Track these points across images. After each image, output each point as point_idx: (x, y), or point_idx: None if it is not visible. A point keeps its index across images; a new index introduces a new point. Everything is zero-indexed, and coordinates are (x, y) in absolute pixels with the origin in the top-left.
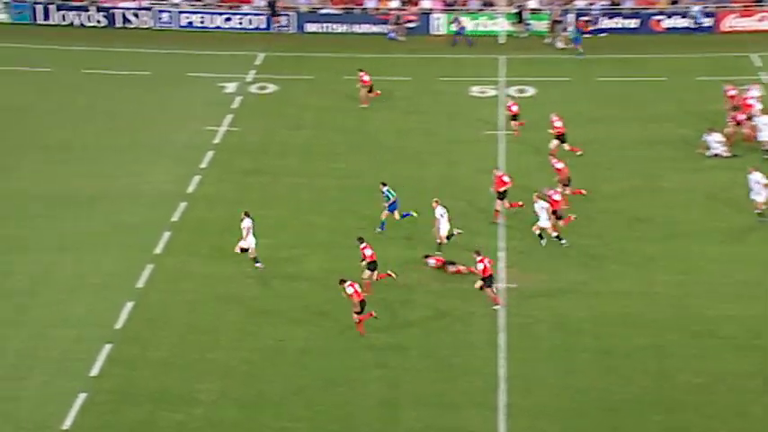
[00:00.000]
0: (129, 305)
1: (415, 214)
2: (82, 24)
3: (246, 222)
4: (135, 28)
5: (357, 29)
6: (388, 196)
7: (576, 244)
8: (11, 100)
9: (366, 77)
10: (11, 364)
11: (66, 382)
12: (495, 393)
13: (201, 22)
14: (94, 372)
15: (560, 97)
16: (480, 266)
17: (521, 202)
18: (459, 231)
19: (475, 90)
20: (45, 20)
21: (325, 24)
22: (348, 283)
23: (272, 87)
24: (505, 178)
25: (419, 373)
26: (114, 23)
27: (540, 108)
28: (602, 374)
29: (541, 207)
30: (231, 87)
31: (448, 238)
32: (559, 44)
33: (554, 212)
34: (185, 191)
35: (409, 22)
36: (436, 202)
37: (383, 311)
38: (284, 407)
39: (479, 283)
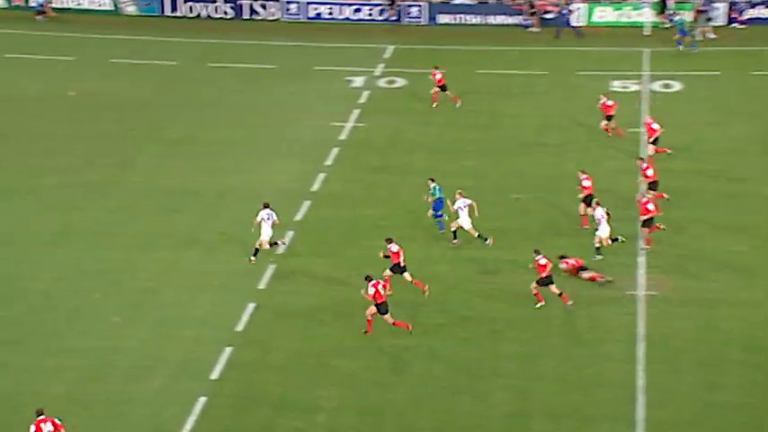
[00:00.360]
0: (251, 307)
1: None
2: (209, 16)
3: (263, 213)
4: (262, 20)
5: (492, 20)
6: (433, 193)
7: (721, 249)
8: (136, 93)
9: (439, 75)
10: (130, 365)
11: (185, 384)
12: (632, 407)
13: (330, 14)
14: (215, 375)
15: (708, 93)
16: (543, 261)
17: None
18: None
19: (616, 85)
20: (172, 12)
21: (458, 15)
22: (372, 282)
23: (400, 81)
24: (587, 183)
25: (550, 384)
26: (241, 15)
27: (686, 105)
28: (752, 391)
29: (601, 215)
30: (359, 81)
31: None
32: (699, 36)
33: (645, 221)
34: (309, 189)
35: (547, 12)
36: (460, 193)
37: (514, 320)
38: (407, 416)
39: (534, 285)
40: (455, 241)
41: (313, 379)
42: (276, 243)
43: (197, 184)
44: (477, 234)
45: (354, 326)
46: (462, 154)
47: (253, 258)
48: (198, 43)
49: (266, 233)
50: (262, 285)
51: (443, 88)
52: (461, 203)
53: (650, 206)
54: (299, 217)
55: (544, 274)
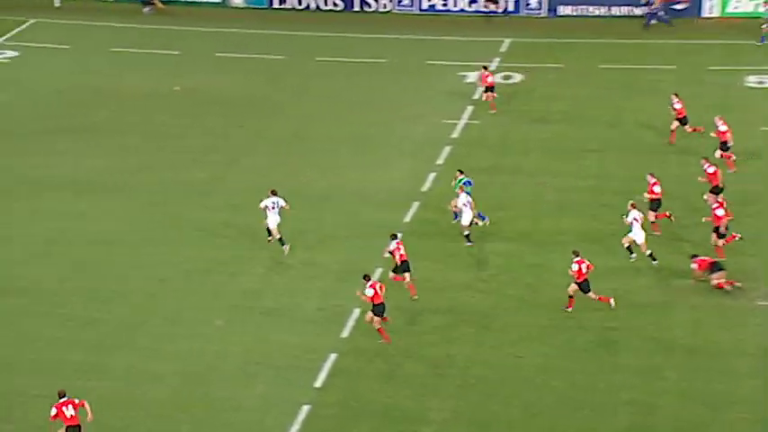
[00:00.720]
0: (356, 312)
1: (483, 223)
2: (318, 8)
3: (267, 201)
4: (373, 12)
5: (616, 11)
6: (465, 186)
7: None
8: (242, 89)
9: (489, 77)
10: (234, 370)
11: (289, 392)
12: (765, 428)
13: (444, 5)
14: (318, 383)
15: None
16: (575, 267)
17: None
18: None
19: (752, 80)
20: (281, 4)
21: (579, 7)
22: (371, 282)
23: (517, 77)
24: (657, 188)
25: (676, 400)
26: (352, 7)
27: None
28: None
29: (634, 218)
30: (473, 77)
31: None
32: None
33: (715, 229)
34: (419, 189)
35: (677, 3)
36: (461, 188)
37: (633, 329)
38: (521, 430)
39: (573, 288)
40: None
41: (422, 389)
42: (282, 240)
43: (304, 183)
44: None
45: (466, 334)
46: (581, 154)
47: (285, 246)
48: (306, 36)
49: (273, 220)
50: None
51: (490, 89)
52: (464, 200)
53: (720, 212)
54: (407, 218)
55: (580, 281)
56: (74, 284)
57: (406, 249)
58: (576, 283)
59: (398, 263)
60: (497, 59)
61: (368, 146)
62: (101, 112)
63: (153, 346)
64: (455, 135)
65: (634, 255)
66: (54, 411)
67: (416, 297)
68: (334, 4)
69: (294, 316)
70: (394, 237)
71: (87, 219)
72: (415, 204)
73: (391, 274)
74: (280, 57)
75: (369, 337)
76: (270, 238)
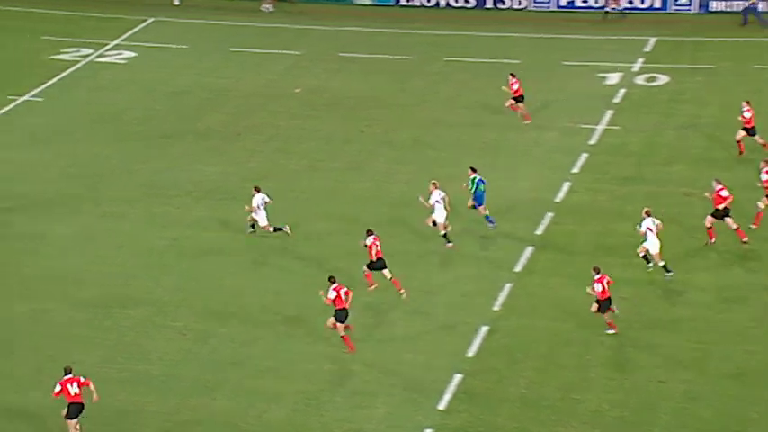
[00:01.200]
0: (484, 330)
1: (491, 227)
2: (448, 5)
3: (257, 199)
4: (507, 9)
5: None
6: (478, 185)
7: None
8: (366, 90)
9: (516, 85)
10: (356, 390)
11: (411, 414)
12: None
13: (584, 2)
14: (442, 405)
15: None
16: (598, 287)
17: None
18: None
19: None
20: (408, 1)
21: (733, 2)
22: (335, 285)
23: (662, 79)
24: (724, 193)
25: None
26: (484, 4)
27: None
28: None
29: (647, 226)
30: (614, 78)
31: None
32: None
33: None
34: (552, 199)
35: None
36: (434, 185)
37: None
38: None
39: (594, 306)
40: (449, 245)
41: (553, 415)
42: (281, 229)
43: (428, 192)
44: (446, 230)
45: (602, 356)
46: (736, 162)
47: (252, 230)
48: (435, 35)
49: (263, 219)
50: (496, 306)
51: (519, 99)
52: (437, 196)
53: (724, 193)
54: (539, 231)
55: (602, 300)
56: (188, 296)
57: (381, 246)
58: (598, 302)
59: (374, 259)
60: (641, 60)
61: (498, 153)
62: (218, 115)
63: (268, 364)
64: (592, 141)
65: (651, 264)
66: (58, 388)
67: (403, 292)
68: (466, 1)
69: (417, 333)
70: (370, 232)
71: (203, 227)
72: (548, 215)
73: (365, 269)
74: (406, 57)
75: (497, 356)
76: (253, 231)
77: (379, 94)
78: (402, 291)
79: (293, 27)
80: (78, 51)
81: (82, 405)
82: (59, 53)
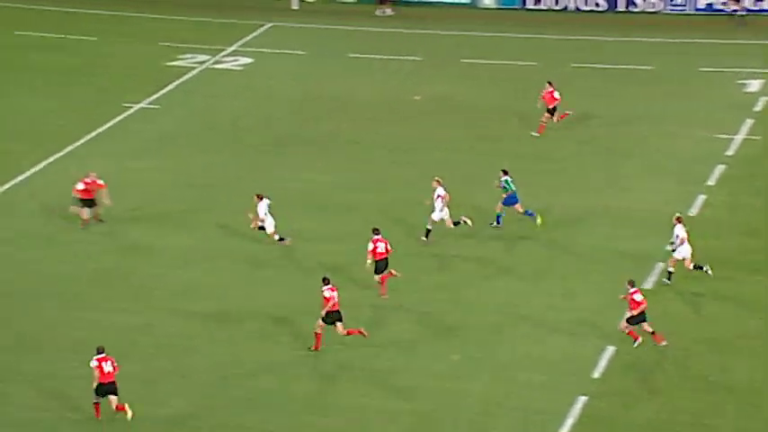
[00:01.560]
0: (610, 350)
1: (539, 221)
2: (578, 8)
3: (263, 206)
4: (640, 12)
5: None
6: (505, 187)
7: None
8: (490, 98)
9: (556, 93)
10: (470, 412)
11: None
12: None
13: (724, 3)
14: (565, 430)
15: None
16: (639, 297)
17: None
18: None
19: None
20: (535, 4)
21: None
22: (329, 286)
23: None
24: None
25: None
26: (616, 7)
27: None
28: None
29: (676, 234)
30: (755, 85)
31: (456, 224)
32: None
33: None
34: (685, 213)
35: None
36: (437, 181)
37: None
38: None
39: (624, 324)
40: (424, 238)
41: None
42: (283, 239)
43: (556, 204)
44: (453, 223)
45: (736, 380)
46: None
47: (279, 239)
48: (563, 40)
49: (270, 225)
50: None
51: (552, 110)
52: (440, 192)
53: None
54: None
55: (636, 312)
56: (302, 309)
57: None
58: (632, 317)
59: (376, 259)
60: None
61: (628, 163)
62: (334, 123)
63: (383, 381)
64: (730, 152)
65: (668, 281)
66: (95, 363)
67: (386, 296)
68: (596, 5)
69: (538, 353)
70: (376, 231)
71: (315, 239)
72: None
73: (376, 277)
74: (532, 63)
75: (626, 378)
76: (275, 235)
77: (502, 101)
78: (385, 295)
79: (414, 32)
80: (195, 58)
81: (114, 385)
82: (176, 60)
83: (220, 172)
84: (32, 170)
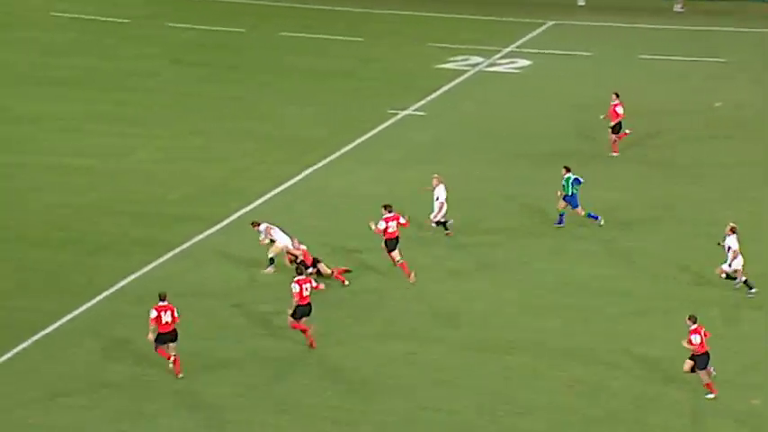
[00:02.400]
0: None
1: (602, 222)
2: None
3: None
4: None
5: None
6: (573, 185)
7: None
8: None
9: (620, 108)
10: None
11: None
12: None
13: None
14: None
15: None
16: (696, 339)
17: None
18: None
19: None
20: None
21: None
22: (303, 277)
23: None
24: None
25: None
26: None
27: None
28: None
29: (728, 245)
30: None
31: (441, 224)
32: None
33: None
34: None
35: None
36: (437, 179)
37: None
38: None
39: (689, 364)
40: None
41: None
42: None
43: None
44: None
45: None
46: None
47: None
48: None
49: (282, 239)
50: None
51: (616, 128)
52: (440, 192)
53: None
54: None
55: (700, 353)
56: (578, 341)
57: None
58: (694, 356)
59: (386, 240)
60: None
61: None
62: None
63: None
64: None
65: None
66: (154, 314)
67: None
68: None
69: None
70: (388, 208)
71: (594, 261)
72: None
73: (397, 257)
74: None
75: None
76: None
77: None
78: (412, 280)
79: (716, 30)
80: (467, 60)
81: (173, 333)
82: (446, 62)
83: (493, 186)
84: (288, 183)
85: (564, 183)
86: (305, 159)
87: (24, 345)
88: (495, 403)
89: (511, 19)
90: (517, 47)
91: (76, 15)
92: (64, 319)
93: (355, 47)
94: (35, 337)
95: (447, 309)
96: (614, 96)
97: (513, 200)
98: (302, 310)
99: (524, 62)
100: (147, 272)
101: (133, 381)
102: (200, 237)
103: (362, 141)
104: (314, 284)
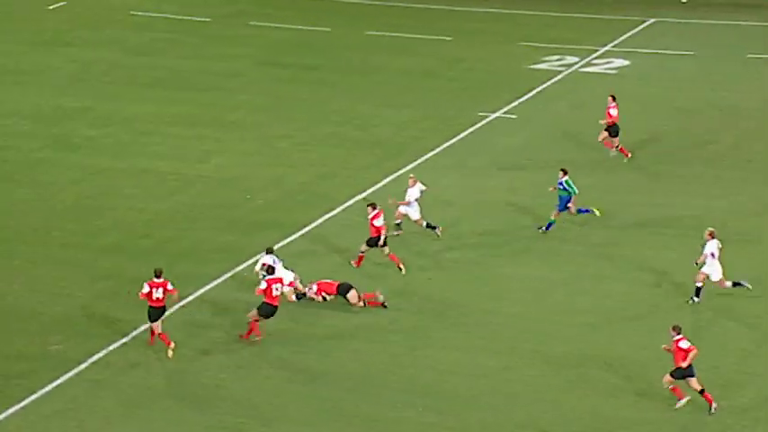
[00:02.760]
0: None
1: (597, 212)
2: None
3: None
4: None
5: None
6: (563, 188)
7: None
8: None
9: (614, 110)
10: None
11: None
12: None
13: None
14: None
15: None
16: (686, 344)
17: None
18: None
19: None
20: None
21: None
22: (268, 277)
23: None
24: None
25: None
26: None
27: None
28: None
29: (710, 250)
30: None
31: (430, 227)
32: None
33: None
34: None
35: None
36: (413, 179)
37: None
38: None
39: (668, 378)
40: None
41: None
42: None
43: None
44: (425, 224)
45: None
46: None
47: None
48: None
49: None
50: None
51: (613, 132)
52: (414, 193)
53: None
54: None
55: (684, 364)
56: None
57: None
58: (677, 367)
59: (373, 235)
60: None
61: None
62: (729, 137)
63: None
64: None
65: (696, 299)
66: (146, 289)
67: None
68: None
69: None
70: (372, 206)
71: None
72: None
73: (386, 251)
74: None
75: None
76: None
77: None
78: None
79: None
80: (561, 59)
81: (163, 309)
82: (539, 62)
83: (588, 194)
84: (372, 188)
85: (564, 185)
86: (390, 164)
87: (100, 354)
88: (596, 423)
89: (609, 16)
90: (615, 46)
91: (156, 14)
92: (142, 327)
93: (443, 46)
94: (111, 347)
95: (542, 321)
96: (610, 99)
97: (614, 207)
98: (267, 309)
99: (622, 62)
100: (226, 280)
101: (209, 391)
102: (282, 244)
103: (450, 145)
104: (289, 288)
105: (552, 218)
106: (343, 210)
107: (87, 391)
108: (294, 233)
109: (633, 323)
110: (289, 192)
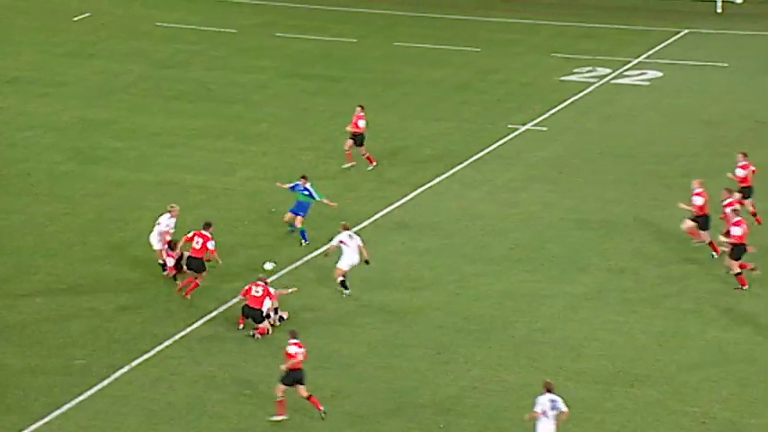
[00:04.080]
0: None
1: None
2: None
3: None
4: None
5: None
6: (302, 192)
7: None
8: None
9: (361, 121)
10: None
11: None
12: None
13: None
14: None
15: None
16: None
17: None
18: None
19: None
20: None
21: None
22: (256, 281)
23: None
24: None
25: None
26: None
27: None
28: None
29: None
30: None
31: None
32: None
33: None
34: None
35: None
36: (344, 227)
37: None
38: None
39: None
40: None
41: None
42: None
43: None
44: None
45: None
46: None
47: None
48: None
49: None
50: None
51: (358, 140)
52: (342, 237)
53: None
54: None
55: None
56: (711, 375)
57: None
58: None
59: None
60: None
61: None
62: (763, 151)
63: None
64: None
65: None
66: (191, 234)
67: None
68: None
69: None
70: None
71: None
72: None
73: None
74: None
75: None
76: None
77: None
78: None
79: None
80: (593, 71)
81: (200, 261)
82: (571, 73)
83: (615, 208)
84: (399, 202)
85: (311, 189)
86: (417, 178)
87: (123, 369)
88: None
89: (641, 27)
90: (648, 57)
91: (182, 26)
92: (166, 343)
93: (472, 57)
94: (134, 362)
95: (575, 338)
96: (359, 109)
97: (641, 222)
98: (247, 310)
99: (655, 74)
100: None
101: (230, 407)
102: (308, 258)
103: (479, 158)
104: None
105: (299, 226)
106: (371, 223)
107: (110, 407)
108: (320, 247)
109: (658, 339)
110: (313, 207)
